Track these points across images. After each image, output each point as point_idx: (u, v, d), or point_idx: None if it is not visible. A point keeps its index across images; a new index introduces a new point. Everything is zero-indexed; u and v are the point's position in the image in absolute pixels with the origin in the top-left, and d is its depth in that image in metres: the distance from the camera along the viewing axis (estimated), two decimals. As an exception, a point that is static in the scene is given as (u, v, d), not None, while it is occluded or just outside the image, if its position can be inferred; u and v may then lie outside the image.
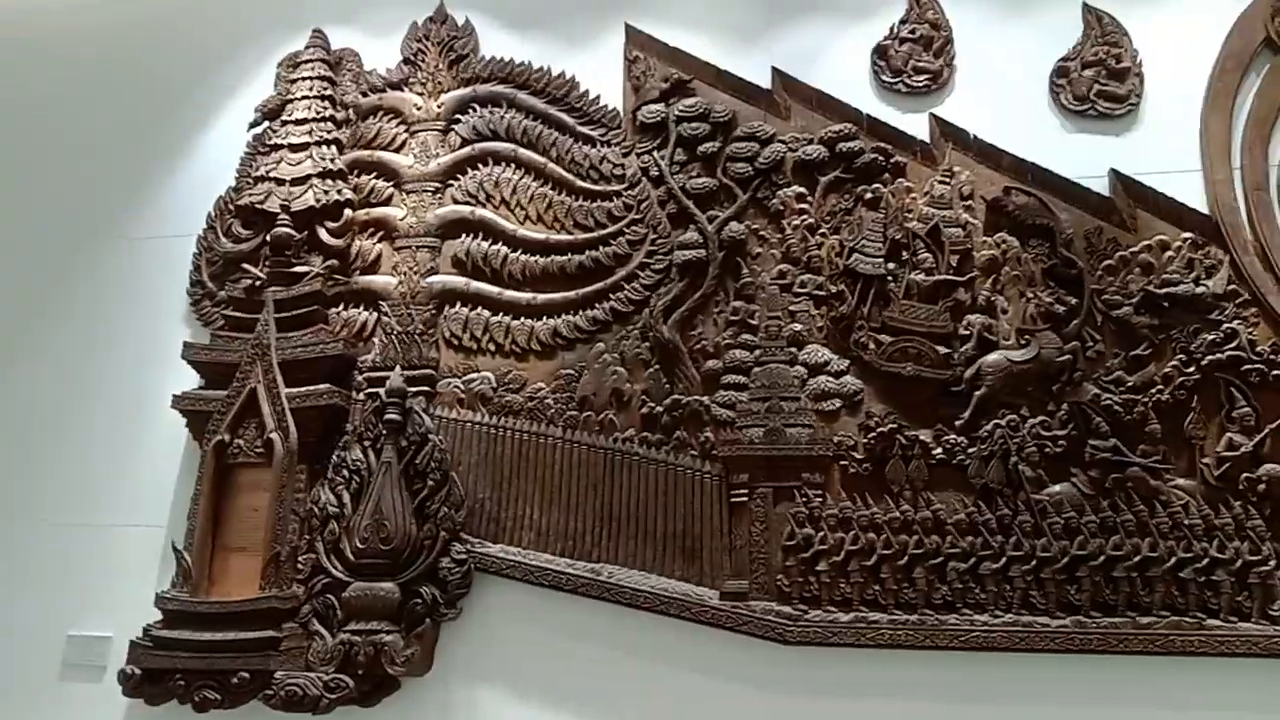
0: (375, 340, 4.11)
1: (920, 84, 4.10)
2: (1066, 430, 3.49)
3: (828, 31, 4.27)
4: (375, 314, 4.15)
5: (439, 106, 4.41)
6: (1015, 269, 3.70)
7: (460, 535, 3.74)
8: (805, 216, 3.92)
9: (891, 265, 3.78)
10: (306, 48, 4.57)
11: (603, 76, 4.33)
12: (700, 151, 4.07)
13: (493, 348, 4.05)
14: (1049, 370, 3.54)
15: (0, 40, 5.15)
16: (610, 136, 4.22)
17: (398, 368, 3.95)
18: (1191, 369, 3.45)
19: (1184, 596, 3.27)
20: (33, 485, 4.37)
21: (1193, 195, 3.71)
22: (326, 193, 4.24)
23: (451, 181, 4.30)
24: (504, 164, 4.28)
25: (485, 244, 4.17)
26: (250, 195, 4.30)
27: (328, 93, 4.47)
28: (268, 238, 4.21)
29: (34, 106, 5.01)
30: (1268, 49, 3.85)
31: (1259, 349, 3.43)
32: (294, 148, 4.35)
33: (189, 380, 4.13)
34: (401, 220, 4.25)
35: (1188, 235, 3.62)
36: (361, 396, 3.99)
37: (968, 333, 3.64)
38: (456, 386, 4.00)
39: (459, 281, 4.14)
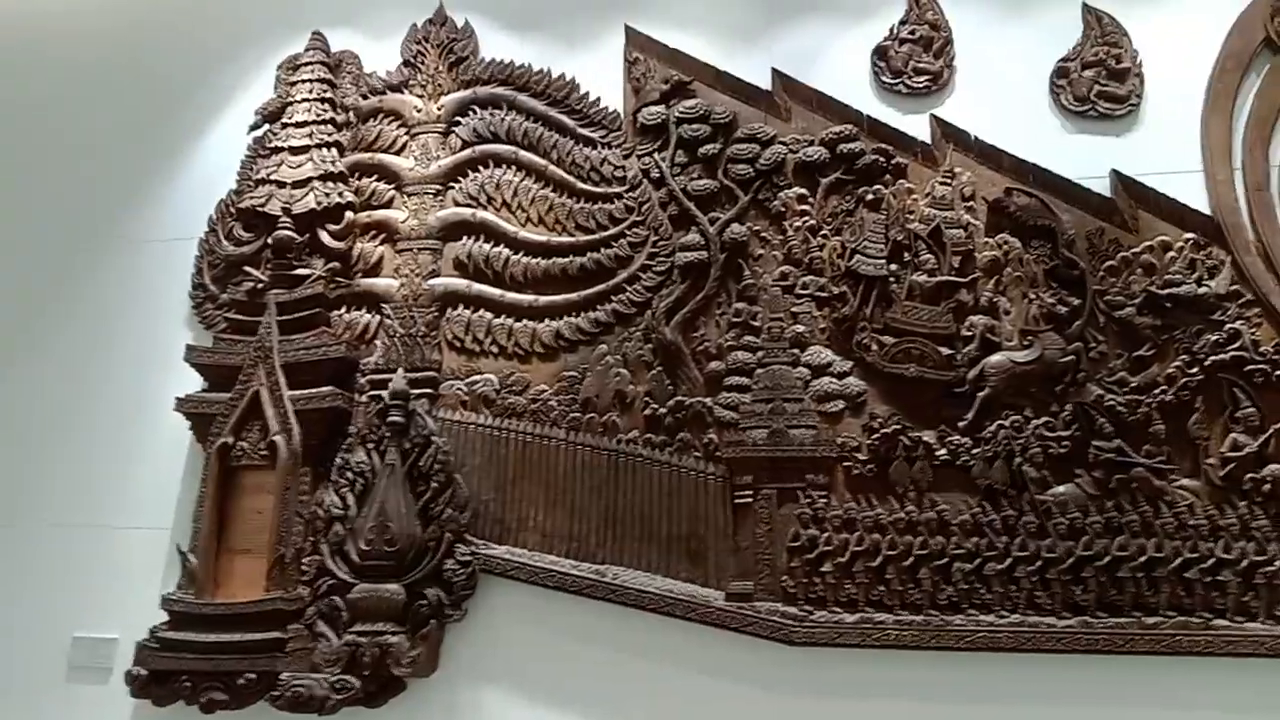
0: (378, 343, 4.10)
1: (920, 85, 4.10)
2: (1070, 431, 3.49)
3: (827, 32, 4.28)
4: (377, 316, 4.15)
5: (439, 109, 4.41)
6: (1017, 270, 3.71)
7: (465, 537, 3.75)
8: (807, 218, 3.93)
9: (893, 266, 3.79)
10: (306, 50, 4.57)
11: (603, 78, 4.33)
12: (701, 153, 4.07)
13: (495, 350, 4.05)
14: (1052, 371, 3.55)
15: (2, 42, 5.14)
16: (611, 138, 4.22)
17: (400, 370, 3.95)
18: (1195, 369, 3.46)
19: (1190, 597, 3.28)
20: (37, 488, 4.36)
21: (1194, 196, 3.72)
22: (328, 195, 4.24)
23: (452, 184, 4.30)
24: (505, 166, 4.28)
25: (487, 246, 4.17)
26: (251, 198, 4.30)
27: (328, 95, 4.47)
28: (269, 240, 4.21)
29: (35, 108, 5.00)
30: (1268, 49, 3.86)
31: (1262, 349, 3.45)
32: (295, 150, 4.35)
33: (192, 383, 4.12)
34: (403, 223, 4.25)
35: (1190, 236, 3.63)
36: (365, 399, 3.99)
37: (970, 334, 3.66)
38: (459, 389, 3.99)
39: (461, 284, 4.14)
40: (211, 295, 4.34)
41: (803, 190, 3.96)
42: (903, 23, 4.19)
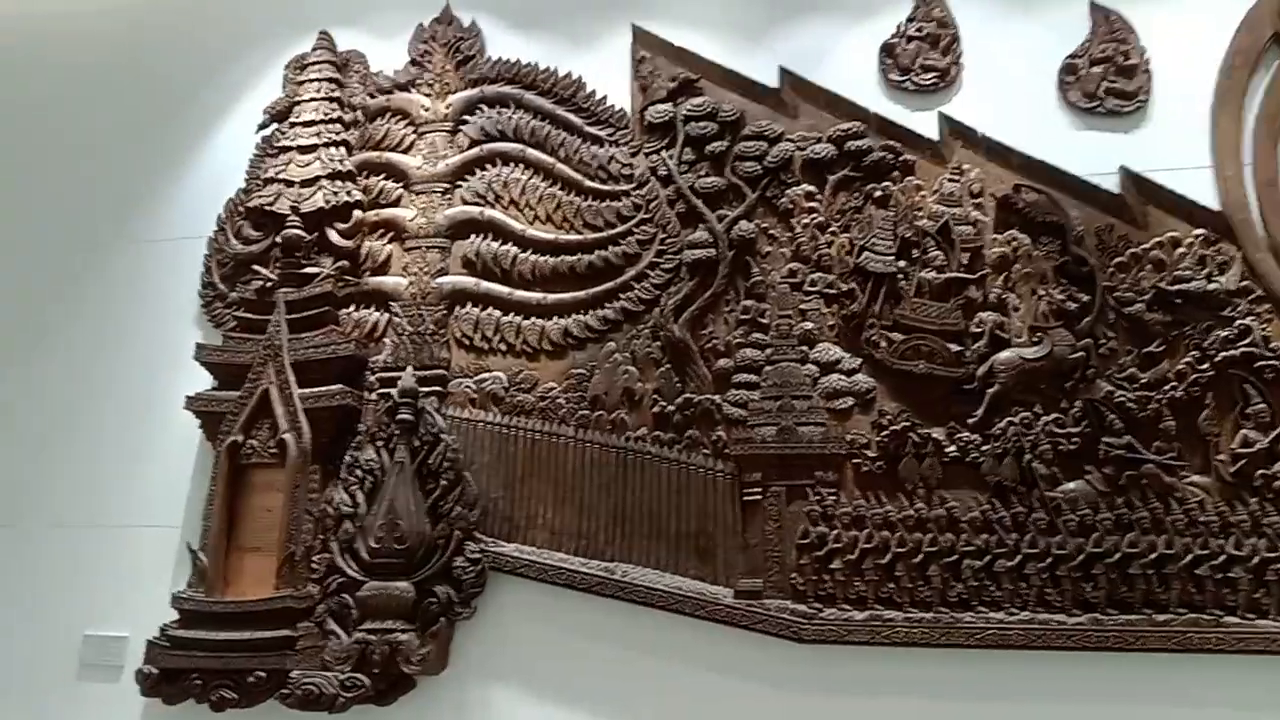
0: (386, 341, 4.10)
1: (928, 82, 4.09)
2: (1080, 427, 3.49)
3: (834, 30, 4.27)
4: (386, 315, 4.16)
5: (446, 107, 4.41)
6: (1026, 266, 3.70)
7: (474, 534, 3.75)
8: (815, 215, 3.92)
9: (902, 263, 3.79)
10: (313, 50, 4.58)
11: (609, 77, 4.33)
12: (708, 151, 4.07)
13: (504, 348, 4.05)
14: (1062, 367, 3.54)
15: (10, 45, 5.15)
16: (618, 136, 4.22)
17: (409, 368, 3.95)
18: (1205, 365, 3.45)
19: (1201, 594, 3.27)
20: (48, 487, 4.38)
21: (1203, 192, 3.70)
22: (336, 194, 4.25)
23: (460, 182, 4.30)
24: (512, 164, 4.28)
25: (495, 244, 4.17)
26: (260, 197, 4.31)
27: (335, 94, 4.48)
28: (278, 239, 4.22)
29: (42, 110, 5.01)
30: (1276, 45, 3.83)
31: (1273, 345, 3.43)
32: (303, 149, 4.36)
33: (201, 381, 4.14)
34: (411, 221, 4.26)
35: (1199, 232, 3.62)
36: (374, 397, 3.99)
37: (980, 330, 3.65)
38: (468, 386, 4.00)
39: (469, 282, 4.15)
40: (221, 294, 4.35)
41: (811, 187, 3.95)
42: (910, 20, 4.17)
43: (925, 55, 4.12)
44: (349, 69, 4.57)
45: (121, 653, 3.99)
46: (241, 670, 3.66)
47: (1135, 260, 3.63)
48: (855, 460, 3.63)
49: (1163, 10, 3.99)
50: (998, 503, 3.48)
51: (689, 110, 4.12)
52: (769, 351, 3.79)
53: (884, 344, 3.71)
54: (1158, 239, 3.64)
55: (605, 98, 4.30)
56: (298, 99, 4.48)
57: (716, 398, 3.78)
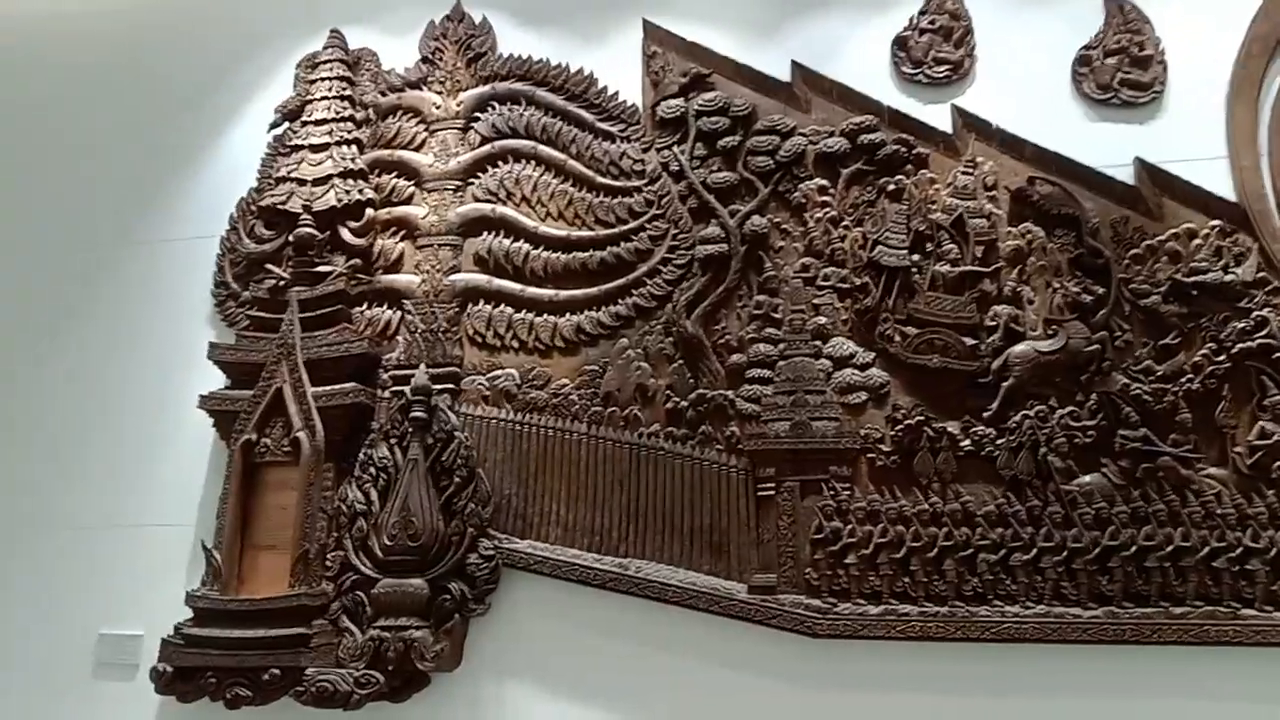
0: (399, 338, 4.11)
1: (941, 75, 4.07)
2: (1096, 420, 3.47)
3: (847, 23, 4.25)
4: (399, 312, 4.16)
5: (458, 105, 4.41)
6: (1041, 259, 3.68)
7: (487, 531, 3.75)
8: (827, 209, 3.91)
9: (916, 257, 3.77)
10: (325, 48, 4.58)
11: (621, 72, 4.32)
12: (720, 145, 4.06)
13: (516, 344, 4.05)
14: (1077, 360, 3.52)
15: (21, 46, 5.17)
16: (630, 132, 4.22)
17: (422, 365, 3.95)
18: (1221, 357, 3.43)
19: (1218, 586, 3.24)
20: (63, 487, 4.38)
21: (1219, 182, 3.67)
22: (348, 192, 4.25)
23: (472, 179, 4.29)
24: (524, 161, 4.28)
25: (507, 241, 4.17)
26: (272, 196, 4.32)
27: (347, 93, 4.48)
28: (290, 238, 4.22)
29: (54, 110, 5.03)
30: (1293, 33, 3.82)
31: (1290, 336, 3.42)
32: (315, 148, 4.36)
33: (215, 380, 4.14)
34: (423, 219, 4.26)
35: (1215, 223, 3.59)
36: (387, 394, 4.00)
37: (994, 324, 3.63)
38: (481, 383, 4.00)
39: (481, 279, 4.14)
40: (234, 293, 4.37)
41: (823, 181, 3.94)
42: (922, 13, 4.16)
43: (938, 48, 4.10)
44: (360, 67, 4.57)
45: (136, 651, 4.00)
46: (256, 668, 3.66)
47: (1151, 252, 3.60)
48: (869, 455, 3.61)
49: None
50: (1013, 496, 3.46)
51: (701, 105, 4.11)
52: (782, 346, 3.78)
53: (898, 338, 3.69)
54: (1173, 230, 3.61)
55: (617, 93, 4.29)
56: (309, 98, 4.49)
57: (730, 393, 3.77)
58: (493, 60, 4.46)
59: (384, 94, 4.52)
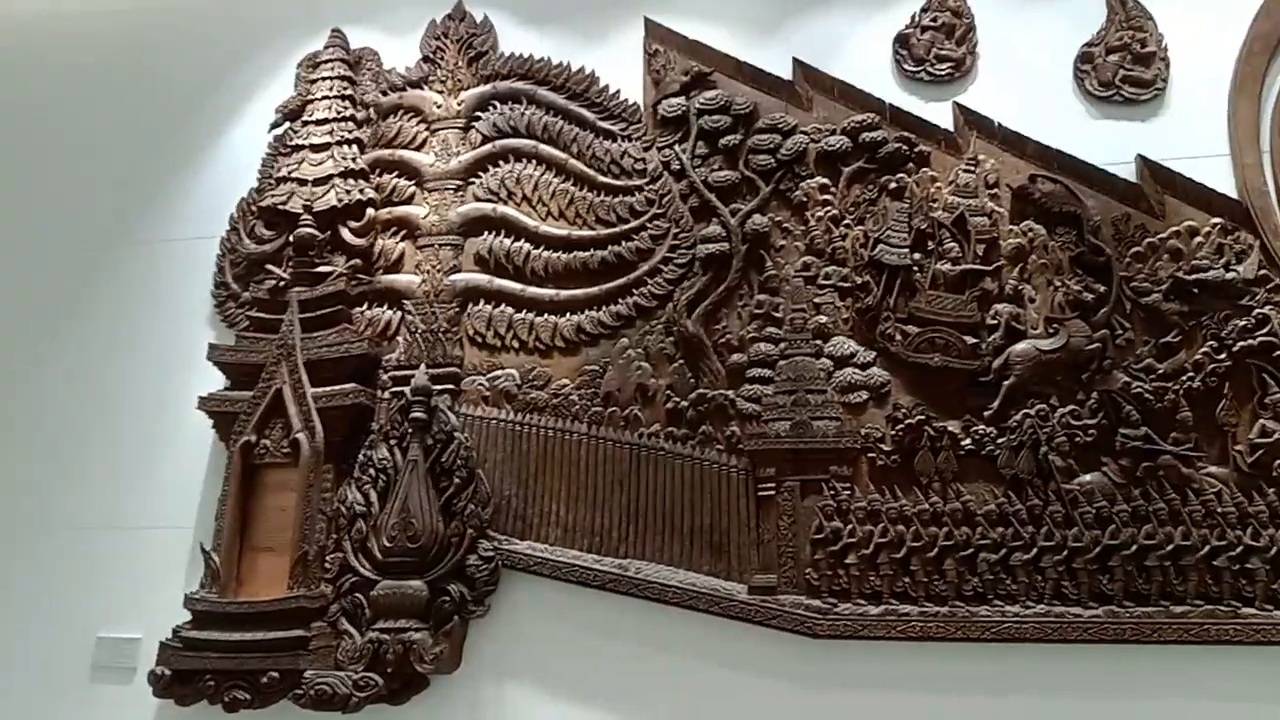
0: (399, 339, 4.10)
1: (943, 72, 4.07)
2: (1097, 419, 3.46)
3: (848, 21, 4.26)
4: (399, 313, 4.15)
5: (459, 104, 4.40)
6: (1042, 257, 3.67)
7: (487, 532, 3.74)
8: (829, 208, 3.90)
9: (917, 255, 3.76)
10: (326, 48, 4.58)
11: (622, 71, 4.31)
12: (722, 144, 4.06)
13: (517, 345, 4.04)
14: (1078, 359, 3.51)
15: (21, 46, 5.18)
16: (631, 131, 4.21)
17: (422, 366, 3.94)
18: (1223, 355, 3.42)
19: (1218, 585, 3.23)
20: (60, 488, 4.37)
21: (1221, 180, 3.66)
22: (349, 192, 4.24)
23: (473, 179, 4.29)
24: (525, 160, 4.28)
25: (507, 241, 4.16)
26: (272, 196, 4.31)
27: (348, 92, 4.48)
28: (291, 238, 4.22)
29: (54, 110, 5.03)
30: (1296, 30, 3.80)
31: (1291, 333, 3.40)
32: (315, 148, 4.36)
33: (214, 381, 4.14)
34: (424, 219, 4.25)
35: (1217, 220, 3.58)
36: (387, 395, 3.99)
37: (995, 322, 3.62)
38: (481, 384, 3.99)
39: (482, 279, 4.14)
40: (233, 293, 4.36)
41: (825, 180, 3.93)
42: (924, 10, 4.15)
43: (940, 45, 4.09)
44: (361, 66, 4.57)
45: (134, 654, 3.99)
46: (255, 671, 3.65)
47: (1152, 250, 3.60)
48: (870, 454, 3.60)
49: (1180, -4, 3.96)
50: (1014, 496, 3.45)
51: (702, 104, 4.10)
52: (783, 346, 3.77)
53: (899, 337, 3.68)
54: (1175, 228, 3.60)
55: (618, 92, 4.28)
56: (310, 97, 4.49)
57: (730, 393, 3.76)
58: (494, 59, 4.46)
59: (385, 93, 4.51)
